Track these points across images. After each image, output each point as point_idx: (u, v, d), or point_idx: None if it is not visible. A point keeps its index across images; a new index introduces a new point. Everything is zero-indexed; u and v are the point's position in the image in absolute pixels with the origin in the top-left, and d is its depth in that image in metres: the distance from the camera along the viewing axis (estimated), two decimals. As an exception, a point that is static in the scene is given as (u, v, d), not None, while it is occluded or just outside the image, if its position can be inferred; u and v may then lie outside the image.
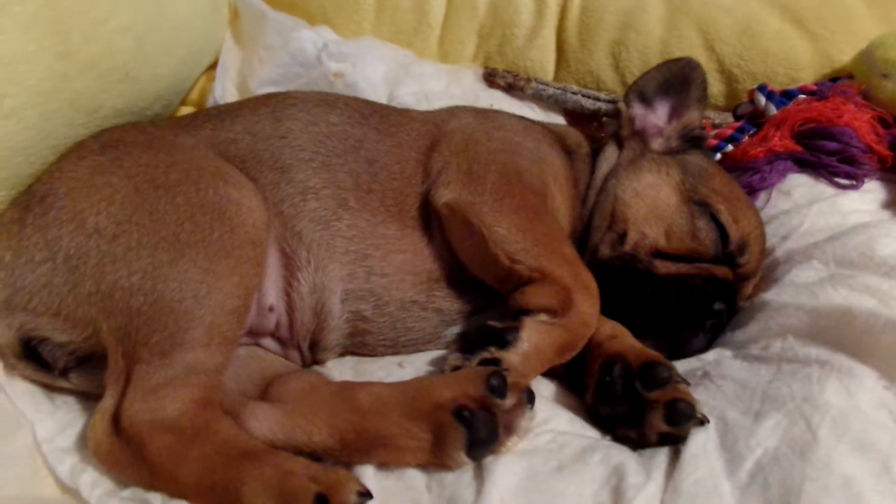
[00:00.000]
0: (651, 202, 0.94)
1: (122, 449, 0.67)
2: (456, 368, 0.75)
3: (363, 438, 0.68)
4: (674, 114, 1.06)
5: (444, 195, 0.87)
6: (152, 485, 0.66)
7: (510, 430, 0.68)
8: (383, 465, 0.68)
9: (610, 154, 1.04)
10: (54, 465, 0.69)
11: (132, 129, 0.90)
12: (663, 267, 0.90)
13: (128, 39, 0.86)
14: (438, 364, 0.84)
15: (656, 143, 1.04)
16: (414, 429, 0.67)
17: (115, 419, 0.68)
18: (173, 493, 0.65)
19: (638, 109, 1.06)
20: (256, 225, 0.79)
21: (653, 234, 0.92)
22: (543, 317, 0.78)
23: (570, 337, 0.79)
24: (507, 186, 0.87)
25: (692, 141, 1.04)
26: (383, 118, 0.99)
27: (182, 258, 0.73)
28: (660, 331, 0.87)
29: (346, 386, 0.75)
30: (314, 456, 0.68)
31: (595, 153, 1.05)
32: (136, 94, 0.90)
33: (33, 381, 0.77)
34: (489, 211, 0.84)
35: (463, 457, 0.65)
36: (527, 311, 0.79)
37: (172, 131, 0.91)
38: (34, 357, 0.75)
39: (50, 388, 0.78)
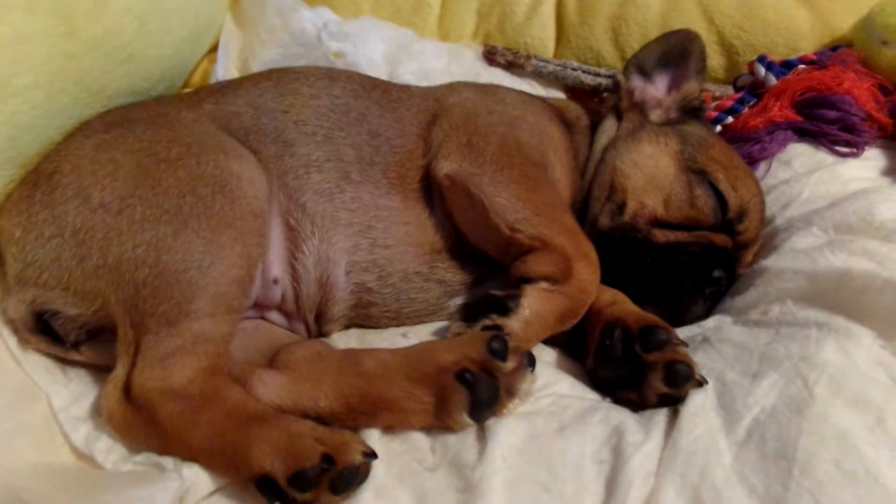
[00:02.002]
0: (649, 172, 0.95)
1: (134, 416, 0.69)
2: (458, 336, 0.77)
3: (368, 402, 0.70)
4: (673, 85, 1.06)
5: (445, 167, 0.88)
6: (164, 449, 0.68)
7: (511, 392, 0.69)
8: (388, 429, 0.70)
9: (609, 126, 1.04)
10: (69, 433, 0.71)
11: (136, 107, 0.92)
12: (662, 236, 0.91)
13: (131, 19, 0.87)
14: (441, 334, 0.86)
15: (655, 115, 1.05)
16: (418, 392, 0.69)
17: (127, 388, 0.70)
18: (185, 457, 0.66)
19: (637, 82, 1.06)
20: (258, 196, 0.81)
21: (651, 204, 0.93)
22: (544, 285, 0.79)
23: (571, 304, 0.80)
24: (507, 157, 0.88)
25: (691, 112, 1.05)
26: (385, 92, 1.00)
27: (185, 230, 0.74)
28: (659, 298, 0.87)
29: (351, 352, 0.77)
30: (321, 420, 0.70)
31: (594, 126, 1.06)
32: (140, 75, 0.91)
33: (47, 355, 0.78)
34: (490, 182, 0.85)
35: (466, 418, 0.67)
36: (528, 280, 0.80)
37: (175, 107, 0.92)
38: (47, 331, 0.77)
39: (63, 361, 0.79)
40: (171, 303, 0.72)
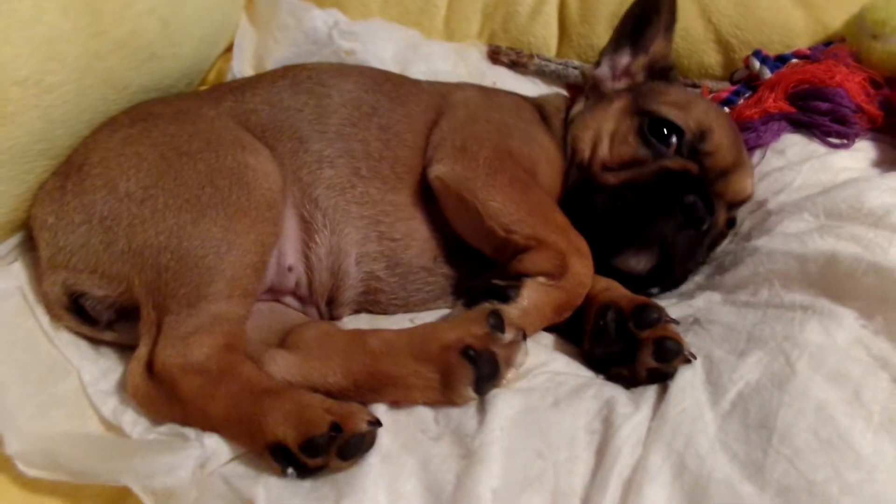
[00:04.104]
0: (597, 126, 1.00)
1: (157, 391, 0.73)
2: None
3: (375, 379, 0.74)
4: (640, 48, 1.09)
5: (438, 169, 0.91)
6: (185, 420, 0.72)
7: (509, 363, 0.74)
8: (394, 404, 0.74)
9: (577, 107, 1.08)
10: (98, 406, 0.76)
11: (159, 103, 0.97)
12: (613, 177, 0.94)
13: (153, 20, 0.92)
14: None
15: (622, 83, 1.08)
16: (423, 369, 0.73)
17: (150, 365, 0.74)
18: (204, 427, 0.71)
19: (605, 63, 1.10)
20: (272, 188, 0.85)
21: (599, 152, 0.97)
22: (542, 279, 0.83)
23: (567, 297, 0.84)
24: (499, 163, 0.91)
25: (660, 74, 1.08)
26: (395, 86, 1.04)
27: (204, 218, 0.79)
28: (634, 239, 0.90)
29: (359, 332, 0.81)
30: (330, 396, 0.74)
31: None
32: (162, 72, 0.96)
33: (77, 334, 0.84)
34: (482, 186, 0.88)
35: (471, 392, 0.71)
36: (526, 276, 0.83)
37: (196, 103, 0.96)
38: (79, 311, 0.82)
39: (92, 340, 0.84)
40: (191, 286, 0.76)
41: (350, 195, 0.92)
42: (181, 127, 0.87)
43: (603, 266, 0.88)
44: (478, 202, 0.87)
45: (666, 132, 0.95)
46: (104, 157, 0.84)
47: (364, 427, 0.67)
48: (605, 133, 0.99)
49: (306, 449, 0.65)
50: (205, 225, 0.78)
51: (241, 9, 1.30)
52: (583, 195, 0.95)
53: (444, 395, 0.73)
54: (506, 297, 0.81)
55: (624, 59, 1.10)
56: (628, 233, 0.90)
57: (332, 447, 0.65)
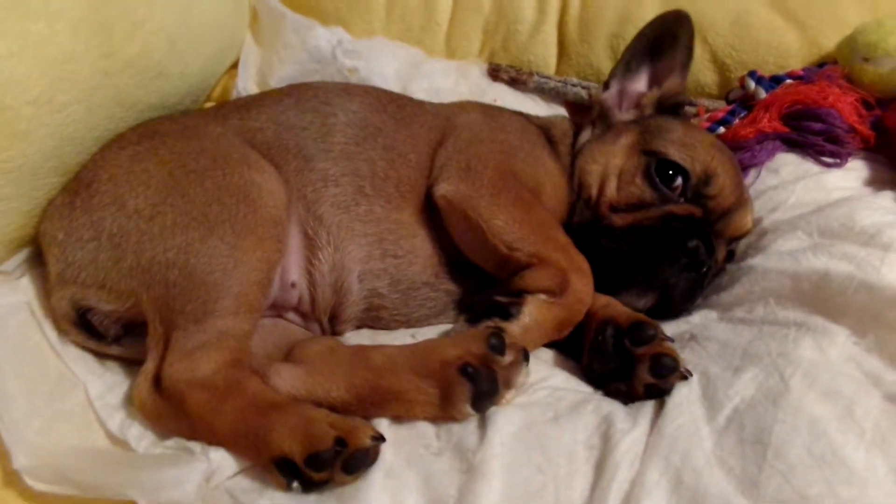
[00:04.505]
0: (605, 161, 1.01)
1: (164, 405, 0.74)
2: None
3: (377, 394, 0.75)
4: (654, 80, 1.09)
5: (443, 188, 0.93)
6: (192, 434, 0.73)
7: (509, 384, 0.75)
8: (396, 419, 0.75)
9: (584, 136, 1.09)
10: (105, 420, 0.77)
11: (166, 120, 0.98)
12: (620, 219, 0.95)
13: (162, 40, 0.94)
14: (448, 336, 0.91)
15: (629, 114, 1.09)
16: (423, 384, 0.74)
17: (157, 379, 0.75)
18: (210, 441, 0.71)
19: (613, 90, 1.09)
20: (277, 206, 0.86)
21: (607, 191, 0.98)
22: (543, 297, 0.84)
23: (568, 314, 0.85)
24: (503, 183, 0.93)
25: (670, 110, 1.08)
26: (400, 107, 1.05)
27: (211, 235, 0.80)
28: (636, 280, 0.91)
29: (362, 348, 0.82)
30: (333, 410, 0.75)
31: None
32: (169, 90, 0.98)
33: (84, 348, 0.84)
34: (486, 205, 0.90)
35: (468, 409, 0.72)
36: (528, 293, 0.85)
37: (203, 120, 0.98)
38: (86, 326, 0.83)
39: (99, 355, 0.85)
40: (198, 302, 0.77)
41: (354, 213, 0.93)
42: (188, 144, 0.89)
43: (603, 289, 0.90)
44: (482, 220, 0.89)
45: (672, 173, 0.96)
46: (113, 175, 0.85)
47: (368, 442, 0.68)
48: (612, 170, 1.00)
49: (311, 463, 0.66)
50: (212, 242, 0.79)
51: (246, 27, 1.32)
52: (590, 235, 0.95)
53: (444, 411, 0.74)
54: (507, 315, 0.82)
55: (637, 85, 1.10)
56: (633, 275, 0.92)
57: (336, 461, 0.66)
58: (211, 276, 0.78)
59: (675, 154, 0.96)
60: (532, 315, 0.83)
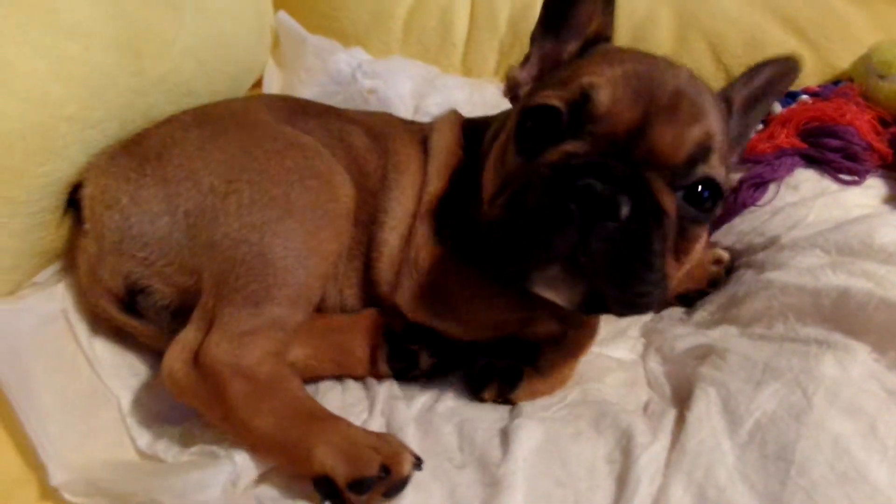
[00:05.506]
0: (494, 152, 0.84)
1: (198, 383, 0.70)
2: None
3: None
4: (577, 31, 0.84)
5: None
6: (222, 422, 0.71)
7: None
8: (423, 431, 0.76)
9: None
10: (136, 438, 0.77)
11: (211, 108, 0.92)
12: (495, 208, 0.71)
13: (191, 60, 0.97)
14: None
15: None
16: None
17: (195, 353, 0.71)
18: (243, 438, 0.70)
19: (535, 56, 0.86)
20: (350, 200, 0.82)
21: (488, 185, 0.79)
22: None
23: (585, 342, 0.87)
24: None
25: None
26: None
27: (289, 217, 0.75)
28: (534, 264, 0.67)
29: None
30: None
31: None
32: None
33: (117, 344, 0.83)
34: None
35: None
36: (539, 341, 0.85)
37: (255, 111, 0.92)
38: (130, 306, 0.79)
39: (130, 361, 0.84)
40: (263, 284, 0.73)
41: None
42: (256, 129, 0.83)
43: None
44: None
45: (539, 122, 0.70)
46: (185, 151, 0.79)
47: (409, 469, 0.68)
48: (496, 155, 0.78)
49: (354, 487, 0.65)
50: (290, 224, 0.75)
51: (268, 48, 1.35)
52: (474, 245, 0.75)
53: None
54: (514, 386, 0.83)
55: (560, 46, 0.84)
56: (523, 262, 0.67)
57: (378, 487, 0.66)
58: (283, 261, 0.74)
59: (539, 98, 0.71)
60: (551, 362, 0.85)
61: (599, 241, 0.63)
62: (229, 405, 0.70)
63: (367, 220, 0.88)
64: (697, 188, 0.70)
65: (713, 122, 0.71)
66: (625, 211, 0.62)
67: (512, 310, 0.82)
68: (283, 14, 1.37)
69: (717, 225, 1.09)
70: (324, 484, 0.67)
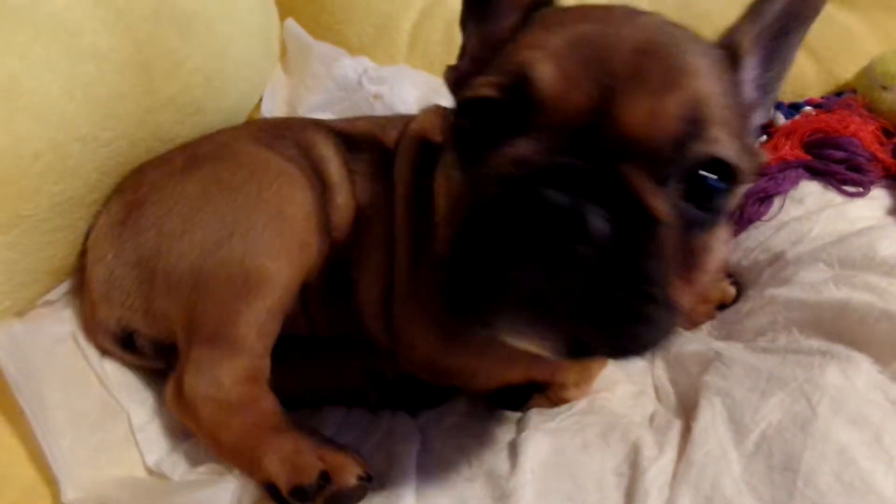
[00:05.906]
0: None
1: (183, 410, 0.75)
2: None
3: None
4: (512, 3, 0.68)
5: None
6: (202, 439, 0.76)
7: None
8: (430, 444, 0.77)
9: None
10: (145, 454, 0.79)
11: (204, 141, 0.95)
12: (443, 235, 0.60)
13: (200, 78, 0.98)
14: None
15: None
16: None
17: (179, 388, 0.75)
18: (216, 454, 0.75)
19: (472, 43, 0.76)
20: (310, 227, 0.83)
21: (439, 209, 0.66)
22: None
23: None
24: None
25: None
26: None
27: (244, 244, 0.77)
28: (496, 307, 0.51)
29: None
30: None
31: None
32: (205, 125, 1.02)
33: (127, 366, 0.86)
34: None
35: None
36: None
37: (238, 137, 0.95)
38: (130, 344, 0.84)
39: (141, 378, 0.86)
40: (223, 319, 0.75)
41: None
42: (229, 160, 0.85)
43: None
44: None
45: (481, 120, 0.55)
46: (161, 198, 0.82)
47: (352, 482, 0.68)
48: (439, 179, 0.65)
49: (295, 494, 0.67)
50: (248, 255, 0.77)
51: (276, 63, 1.37)
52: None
53: None
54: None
55: (497, 25, 0.68)
56: (480, 308, 0.52)
57: (319, 497, 0.67)
58: (241, 291, 0.76)
59: (470, 90, 0.57)
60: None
61: (571, 272, 0.47)
62: (199, 426, 0.74)
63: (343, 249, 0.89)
64: (697, 175, 0.53)
65: (703, 81, 0.54)
66: (598, 226, 0.46)
67: (518, 363, 0.77)
68: (290, 21, 1.39)
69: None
70: (272, 491, 0.69)
